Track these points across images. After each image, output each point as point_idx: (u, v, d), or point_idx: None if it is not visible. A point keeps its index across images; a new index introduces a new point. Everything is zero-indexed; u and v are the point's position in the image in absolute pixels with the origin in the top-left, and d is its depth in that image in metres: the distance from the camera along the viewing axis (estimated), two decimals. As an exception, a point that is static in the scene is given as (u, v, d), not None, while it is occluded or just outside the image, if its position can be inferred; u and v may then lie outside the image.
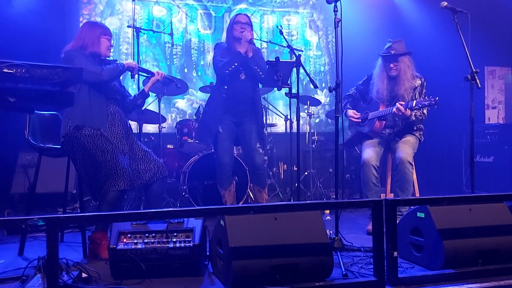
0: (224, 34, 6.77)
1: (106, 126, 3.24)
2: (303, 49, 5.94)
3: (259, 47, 4.39)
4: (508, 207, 2.90)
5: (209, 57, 6.76)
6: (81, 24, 5.16)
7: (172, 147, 5.39)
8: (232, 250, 2.36)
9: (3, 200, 4.95)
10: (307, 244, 2.47)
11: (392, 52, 4.02)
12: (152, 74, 3.64)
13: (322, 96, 7.18)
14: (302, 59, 3.65)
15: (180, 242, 2.64)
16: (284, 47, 4.04)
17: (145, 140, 5.29)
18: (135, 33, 4.81)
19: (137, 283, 2.54)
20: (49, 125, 3.63)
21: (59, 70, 2.37)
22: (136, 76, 3.69)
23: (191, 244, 2.63)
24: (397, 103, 3.86)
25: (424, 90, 4.06)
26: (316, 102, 6.28)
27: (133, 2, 4.90)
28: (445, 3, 3.52)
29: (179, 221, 2.75)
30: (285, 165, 6.26)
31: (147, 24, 6.46)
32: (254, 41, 4.13)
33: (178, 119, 6.14)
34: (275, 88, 3.95)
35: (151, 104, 5.54)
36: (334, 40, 4.42)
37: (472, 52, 3.44)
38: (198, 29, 6.77)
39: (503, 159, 5.99)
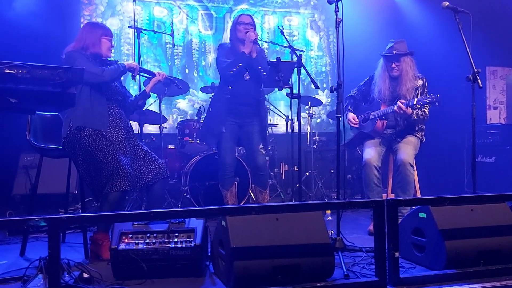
0: (225, 35, 6.82)
1: (107, 127, 3.24)
2: (304, 50, 5.93)
3: (262, 48, 4.39)
4: (510, 207, 2.89)
5: (210, 57, 6.77)
6: (82, 25, 5.17)
7: (173, 147, 5.39)
8: (234, 251, 2.36)
9: (5, 201, 4.95)
10: (308, 244, 2.46)
11: (394, 52, 4.02)
12: (153, 74, 3.64)
13: (323, 96, 7.18)
14: (303, 59, 3.64)
15: (181, 242, 2.64)
16: (285, 47, 4.04)
17: (146, 140, 5.29)
18: (136, 33, 4.81)
19: (139, 283, 2.54)
20: (51, 126, 3.63)
21: (60, 71, 2.37)
22: (137, 76, 3.69)
23: (192, 245, 2.63)
24: (398, 102, 3.86)
25: (425, 90, 4.05)
26: (317, 103, 6.28)
27: (134, 2, 4.91)
28: (447, 3, 3.52)
29: (180, 222, 2.75)
30: (286, 166, 6.25)
31: (148, 24, 6.46)
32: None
33: (179, 120, 6.13)
34: (276, 89, 3.96)
35: (152, 104, 5.54)
36: (335, 40, 4.44)
37: (473, 52, 3.44)
38: (199, 29, 6.77)
39: (504, 159, 5.98)
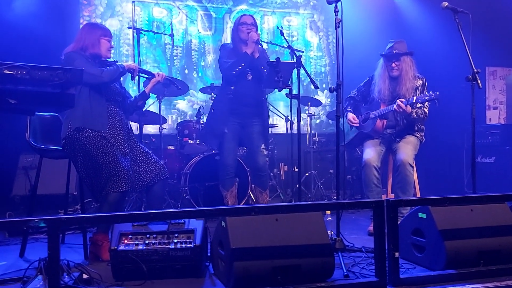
0: (225, 35, 6.83)
1: (107, 128, 3.24)
2: (303, 50, 5.93)
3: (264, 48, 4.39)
4: (509, 207, 2.89)
5: (210, 58, 6.77)
6: (81, 26, 5.17)
7: (173, 148, 5.39)
8: (234, 251, 2.35)
9: (4, 202, 4.94)
10: (308, 245, 2.46)
11: (394, 51, 4.02)
12: (153, 75, 3.64)
13: (322, 97, 7.18)
14: (302, 60, 3.65)
15: (181, 243, 2.64)
16: (285, 48, 4.05)
17: (146, 141, 5.29)
18: (135, 34, 4.81)
19: (139, 284, 2.54)
20: (50, 127, 3.63)
21: (59, 72, 2.37)
22: (137, 77, 3.69)
23: (192, 245, 2.62)
24: (397, 100, 3.86)
25: (425, 90, 4.05)
26: (317, 103, 6.29)
27: (133, 3, 4.91)
28: (446, 3, 3.52)
29: (180, 222, 2.75)
30: (286, 166, 6.25)
31: (148, 25, 6.46)
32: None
33: (179, 120, 6.14)
34: (276, 89, 3.96)
35: (151, 105, 5.54)
36: (334, 41, 4.42)
37: (473, 53, 3.44)
38: (198, 30, 6.77)
39: (504, 159, 5.98)
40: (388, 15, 7.06)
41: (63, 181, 3.65)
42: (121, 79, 3.54)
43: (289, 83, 3.92)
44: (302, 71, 3.55)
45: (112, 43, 3.50)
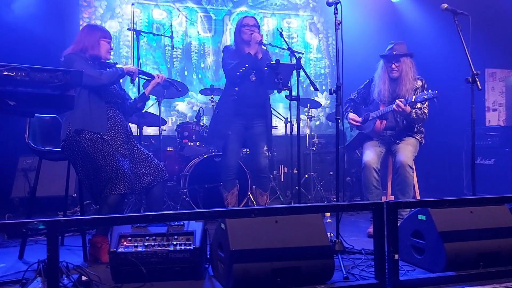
0: (224, 37, 6.83)
1: (106, 130, 3.23)
2: (303, 52, 5.94)
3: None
4: (509, 209, 2.89)
5: (209, 60, 6.77)
6: (81, 28, 5.17)
7: (172, 150, 5.39)
8: (233, 253, 2.35)
9: (4, 204, 4.94)
10: (308, 247, 2.46)
11: (394, 53, 4.03)
12: (153, 77, 3.63)
13: (322, 98, 7.18)
14: (302, 61, 3.65)
15: (180, 245, 2.63)
16: (285, 49, 4.04)
17: (145, 143, 5.29)
18: (135, 36, 4.81)
19: (138, 286, 2.54)
20: (49, 129, 3.63)
21: (59, 74, 2.37)
22: (137, 79, 3.68)
23: (191, 247, 2.62)
24: (396, 100, 3.87)
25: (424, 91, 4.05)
26: (317, 105, 6.29)
27: (132, 6, 4.91)
28: (446, 5, 3.52)
29: (179, 224, 2.75)
30: (286, 168, 6.26)
31: (147, 27, 6.47)
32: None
33: (179, 122, 6.14)
34: (276, 91, 3.96)
35: (151, 107, 5.54)
36: (334, 42, 4.43)
37: (472, 54, 3.44)
38: (198, 32, 6.78)
39: (504, 161, 5.98)
40: (388, 17, 7.07)
41: (62, 183, 3.65)
42: (121, 81, 3.55)
43: (289, 84, 3.92)
44: (301, 72, 3.55)
45: (112, 45, 3.50)
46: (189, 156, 5.29)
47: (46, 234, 2.11)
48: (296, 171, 3.89)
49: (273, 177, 5.87)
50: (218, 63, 6.81)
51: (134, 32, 4.84)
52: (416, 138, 4.06)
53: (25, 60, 2.60)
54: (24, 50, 5.07)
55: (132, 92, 5.58)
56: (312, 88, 3.59)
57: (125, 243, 2.64)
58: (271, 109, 4.52)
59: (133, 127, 4.32)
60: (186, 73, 6.69)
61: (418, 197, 4.10)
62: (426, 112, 3.99)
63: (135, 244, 2.63)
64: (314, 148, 6.15)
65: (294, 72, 3.61)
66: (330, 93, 3.28)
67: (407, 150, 3.92)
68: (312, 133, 6.27)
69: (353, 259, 3.04)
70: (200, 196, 4.91)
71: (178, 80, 6.02)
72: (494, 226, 2.75)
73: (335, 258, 2.59)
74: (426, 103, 3.99)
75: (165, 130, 5.57)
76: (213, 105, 5.46)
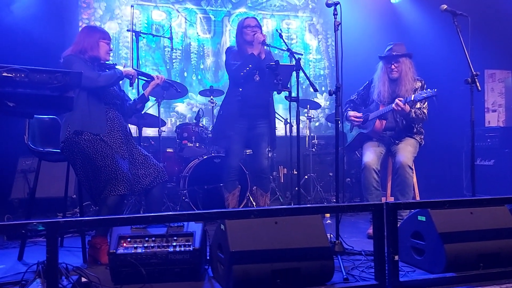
0: (224, 38, 6.83)
1: (106, 131, 3.23)
2: (302, 53, 5.94)
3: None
4: (509, 210, 2.89)
5: (209, 61, 6.77)
6: (80, 29, 5.17)
7: (172, 151, 5.38)
8: (233, 255, 2.35)
9: (3, 205, 4.93)
10: (307, 248, 2.46)
11: (393, 53, 4.04)
12: (152, 78, 3.63)
13: (322, 99, 7.18)
14: (301, 62, 3.65)
15: (180, 246, 2.63)
16: (284, 50, 4.04)
17: (145, 144, 5.28)
18: (134, 37, 4.81)
19: (137, 288, 2.53)
20: (49, 130, 3.63)
21: (58, 75, 2.36)
22: (137, 80, 3.68)
23: (191, 249, 2.62)
24: (396, 99, 3.87)
25: (424, 92, 4.06)
26: (316, 106, 6.29)
27: (132, 8, 4.91)
28: (445, 6, 3.52)
29: (179, 225, 2.74)
30: (285, 169, 6.26)
31: (147, 28, 6.47)
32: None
33: (178, 123, 6.13)
34: (275, 92, 3.95)
35: (150, 108, 5.54)
36: (333, 43, 4.42)
37: (472, 55, 3.44)
38: (197, 33, 6.78)
39: (503, 162, 5.98)
40: (387, 18, 7.07)
41: (61, 184, 3.64)
42: (120, 82, 3.54)
43: (288, 85, 3.92)
44: (301, 73, 3.55)
45: (111, 46, 3.50)
46: (188, 157, 5.29)
47: (45, 235, 2.11)
48: (296, 172, 3.88)
49: (273, 178, 5.86)
50: (217, 64, 6.81)
51: (134, 33, 4.83)
52: (416, 139, 4.06)
53: (25, 61, 2.60)
54: (24, 51, 5.07)
55: (132, 93, 5.58)
56: (311, 89, 3.59)
57: (124, 244, 2.64)
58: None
59: (133, 128, 4.33)
60: (185, 74, 6.69)
61: (418, 198, 4.10)
62: (426, 112, 3.99)
63: (135, 245, 2.63)
64: (313, 149, 6.15)
65: (294, 73, 3.61)
66: (330, 94, 3.28)
67: (406, 151, 3.92)
68: (311, 134, 6.27)
69: (353, 260, 3.04)
70: (200, 197, 4.91)
71: (178, 81, 6.01)
72: (494, 227, 2.75)
73: (335, 259, 2.58)
74: (426, 103, 3.99)
75: (164, 131, 5.57)
76: (212, 106, 5.46)
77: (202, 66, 6.77)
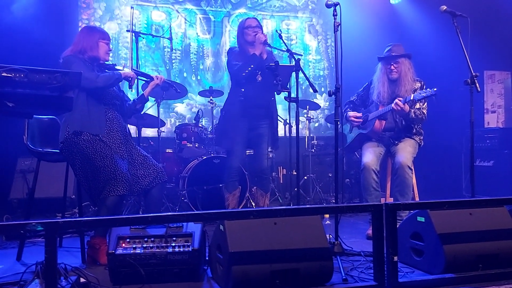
0: (223, 39, 6.83)
1: (105, 131, 3.23)
2: (302, 54, 5.93)
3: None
4: (508, 211, 2.89)
5: (208, 61, 6.77)
6: (80, 29, 5.16)
7: (171, 151, 5.38)
8: (232, 255, 2.35)
9: (2, 205, 4.93)
10: (307, 248, 2.46)
11: (393, 54, 4.05)
12: (151, 78, 3.63)
13: (321, 100, 7.18)
14: (301, 63, 3.65)
15: (179, 246, 2.63)
16: (284, 51, 4.04)
17: (144, 144, 5.28)
18: (134, 37, 4.80)
19: (136, 288, 2.53)
20: (48, 130, 3.62)
21: (57, 75, 2.36)
22: (135, 82, 3.67)
23: (190, 249, 2.61)
24: (395, 99, 3.87)
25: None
26: (316, 106, 6.29)
27: (132, 9, 4.91)
28: (445, 7, 3.53)
29: (178, 226, 2.74)
30: (285, 170, 6.25)
31: (146, 29, 6.47)
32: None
33: (177, 124, 6.13)
34: (275, 92, 3.94)
35: (150, 108, 5.53)
36: (333, 44, 4.42)
37: (471, 56, 3.44)
38: (197, 33, 6.77)
39: (503, 163, 5.98)
40: (387, 19, 7.07)
41: (61, 184, 3.64)
42: (120, 82, 3.54)
43: (288, 86, 3.92)
44: (300, 74, 3.55)
45: (111, 46, 3.49)
46: (188, 157, 5.29)
47: (44, 236, 2.11)
48: (295, 173, 3.88)
49: (272, 178, 5.86)
50: (217, 64, 6.81)
51: (133, 34, 4.83)
52: (415, 140, 4.06)
53: (24, 61, 2.60)
54: (23, 52, 5.06)
55: (131, 93, 5.57)
56: (311, 90, 3.59)
57: (123, 244, 2.63)
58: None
59: (132, 129, 4.32)
60: (185, 74, 6.69)
61: (417, 198, 4.10)
62: (425, 113, 4.00)
63: (134, 246, 2.62)
64: (313, 150, 6.15)
65: (293, 74, 3.61)
66: (329, 95, 3.28)
67: (406, 151, 3.92)
68: (311, 135, 6.27)
69: (352, 261, 3.04)
70: (199, 197, 4.91)
71: (177, 81, 6.01)
72: (493, 228, 2.75)
73: (334, 260, 2.58)
74: (425, 104, 4.00)
75: (164, 131, 5.57)
76: (212, 107, 5.46)
77: (201, 67, 6.77)
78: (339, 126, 3.27)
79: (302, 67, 3.60)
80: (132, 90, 3.67)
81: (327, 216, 4.75)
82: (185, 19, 6.71)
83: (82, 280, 2.45)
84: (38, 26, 5.43)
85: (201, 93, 5.77)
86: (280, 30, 5.73)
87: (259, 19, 6.01)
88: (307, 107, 6.07)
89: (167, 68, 6.61)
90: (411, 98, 3.81)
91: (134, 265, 2.55)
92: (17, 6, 5.50)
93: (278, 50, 4.35)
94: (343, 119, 4.03)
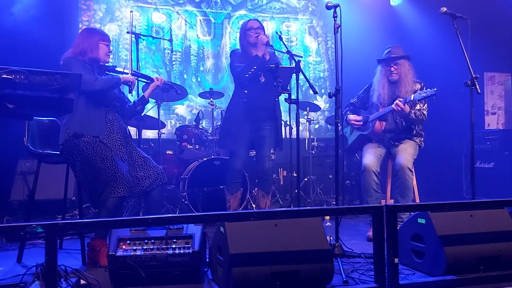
0: (224, 40, 6.84)
1: (105, 133, 3.23)
2: (302, 55, 5.94)
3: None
4: (509, 213, 2.89)
5: (209, 63, 6.78)
6: (80, 31, 5.16)
7: (171, 153, 5.38)
8: (232, 257, 2.34)
9: (2, 207, 4.93)
10: (307, 250, 2.45)
11: (392, 56, 4.05)
12: (152, 80, 3.63)
13: (321, 102, 7.18)
14: (301, 65, 3.65)
15: (179, 248, 2.63)
16: (284, 53, 4.04)
17: (145, 146, 5.28)
18: (134, 39, 4.81)
19: (136, 290, 2.53)
20: (48, 131, 3.62)
21: (58, 77, 2.36)
22: (135, 87, 3.67)
23: (190, 251, 2.61)
24: (396, 100, 3.87)
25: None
26: (316, 108, 6.29)
27: (131, 13, 4.91)
28: (445, 9, 3.53)
29: (178, 228, 2.74)
30: (285, 171, 6.25)
31: (147, 30, 6.47)
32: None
33: (178, 125, 6.13)
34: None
35: (150, 110, 5.54)
36: (333, 46, 4.42)
37: (471, 58, 3.44)
38: (197, 35, 6.78)
39: (503, 164, 5.98)
40: (387, 21, 7.07)
41: (61, 186, 3.64)
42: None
43: (288, 88, 3.92)
44: (301, 76, 3.55)
45: (111, 48, 3.50)
46: (188, 159, 5.29)
47: (44, 238, 2.10)
48: (296, 175, 3.88)
49: (272, 180, 5.86)
50: (217, 66, 6.81)
51: (133, 35, 4.83)
52: (416, 141, 4.06)
53: (25, 63, 2.60)
54: (24, 53, 5.07)
55: (131, 95, 5.57)
56: (311, 92, 3.59)
57: (123, 246, 2.63)
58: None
59: (132, 130, 4.32)
60: (185, 76, 6.69)
61: (417, 200, 4.10)
62: (425, 114, 4.00)
63: (134, 248, 2.62)
64: (313, 152, 6.15)
65: (294, 76, 3.61)
66: (330, 97, 3.28)
67: (406, 153, 3.92)
68: (311, 137, 6.27)
69: (352, 263, 3.04)
70: (199, 199, 4.91)
71: (178, 83, 6.01)
72: (494, 229, 2.75)
73: (334, 261, 2.58)
74: (425, 105, 4.00)
75: (164, 133, 5.56)
76: (212, 108, 5.46)
77: (202, 68, 6.77)
78: (339, 128, 3.26)
79: (302, 68, 3.61)
80: (132, 94, 3.68)
81: (327, 217, 4.74)
82: (186, 21, 6.72)
83: (82, 282, 2.45)
84: (38, 27, 5.44)
85: (201, 95, 5.77)
86: (280, 32, 5.73)
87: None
88: (308, 108, 6.07)
89: (168, 69, 6.61)
90: (411, 99, 3.81)
91: (134, 267, 2.55)
92: (17, 7, 5.51)
93: (279, 51, 4.35)
94: (343, 121, 4.03)
